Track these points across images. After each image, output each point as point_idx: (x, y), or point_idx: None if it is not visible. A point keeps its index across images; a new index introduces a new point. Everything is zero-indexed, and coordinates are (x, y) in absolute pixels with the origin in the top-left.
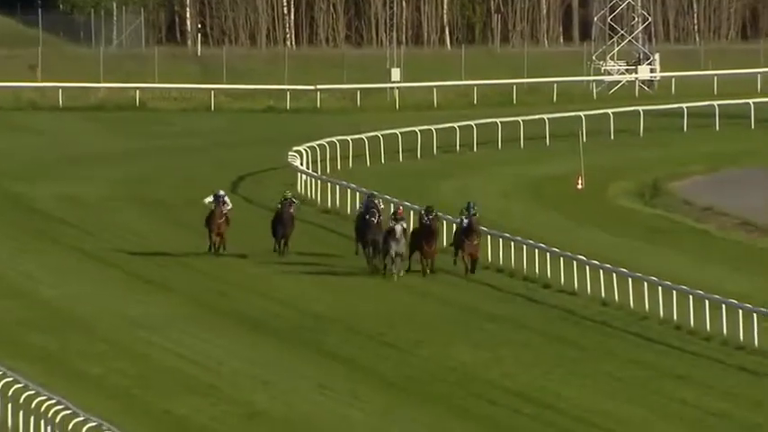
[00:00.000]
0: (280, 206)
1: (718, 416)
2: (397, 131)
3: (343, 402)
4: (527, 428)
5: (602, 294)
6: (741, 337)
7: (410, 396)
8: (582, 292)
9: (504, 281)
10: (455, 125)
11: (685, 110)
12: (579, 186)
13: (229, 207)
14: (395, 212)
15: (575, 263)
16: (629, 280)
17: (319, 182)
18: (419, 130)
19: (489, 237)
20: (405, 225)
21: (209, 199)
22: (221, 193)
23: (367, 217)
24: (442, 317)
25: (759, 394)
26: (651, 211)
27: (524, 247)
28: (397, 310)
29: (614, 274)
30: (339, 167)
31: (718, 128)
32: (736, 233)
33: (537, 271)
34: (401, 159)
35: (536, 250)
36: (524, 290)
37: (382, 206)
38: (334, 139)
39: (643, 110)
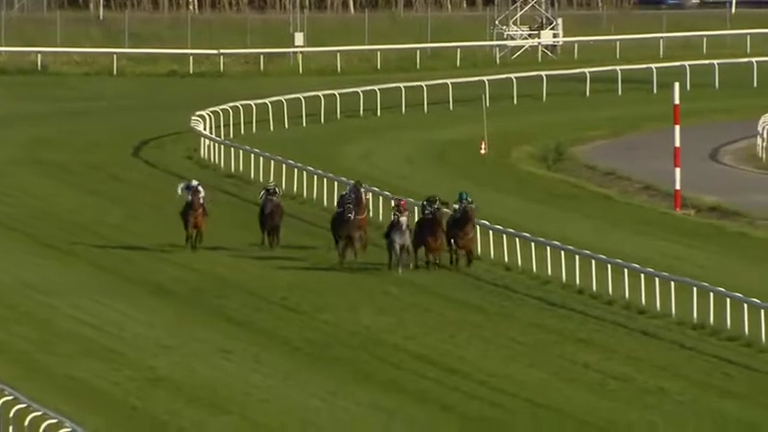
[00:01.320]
0: (262, 198)
1: (621, 379)
2: (300, 96)
3: (245, 367)
4: (431, 392)
5: (505, 259)
6: (643, 301)
7: (313, 360)
8: (485, 257)
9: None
10: (358, 90)
11: (588, 75)
12: (482, 151)
13: (202, 194)
14: (397, 205)
15: (478, 228)
16: (532, 244)
17: (222, 147)
18: (323, 95)
19: (380, 198)
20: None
21: (182, 185)
22: (194, 183)
23: (344, 213)
24: (345, 282)
25: (661, 358)
26: (554, 175)
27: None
28: (299, 275)
29: (517, 239)
30: (242, 132)
31: (620, 93)
32: (638, 197)
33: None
34: (305, 124)
35: None
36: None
37: (368, 196)
38: (237, 103)
39: (546, 75)
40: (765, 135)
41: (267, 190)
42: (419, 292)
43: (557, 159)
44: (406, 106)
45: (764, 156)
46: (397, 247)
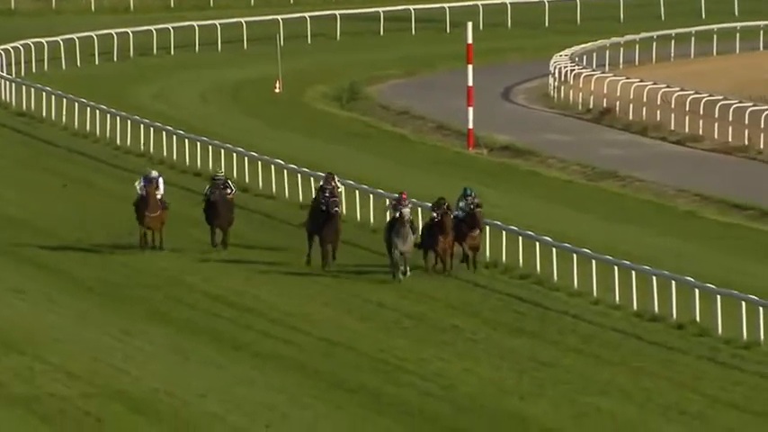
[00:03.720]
0: (209, 190)
1: (415, 318)
2: (93, 34)
3: (39, 307)
4: (226, 332)
5: (300, 198)
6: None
7: (108, 300)
8: (280, 196)
9: (201, 185)
10: (152, 28)
11: (381, 14)
12: (277, 90)
13: (162, 192)
14: (398, 199)
15: (272, 167)
16: None
17: (14, 85)
18: (116, 33)
19: (187, 140)
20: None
21: (140, 183)
22: (154, 174)
23: (324, 208)
24: None
25: (455, 297)
26: (348, 114)
27: (222, 150)
28: (93, 215)
29: (312, 178)
30: (34, 70)
31: (414, 32)
32: (432, 137)
33: (235, 175)
34: (97, 63)
35: (234, 155)
36: None
37: (340, 188)
38: (29, 41)
39: (340, 14)
40: (557, 74)
41: (215, 180)
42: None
43: (351, 99)
44: (200, 45)
45: (556, 95)
46: (398, 252)
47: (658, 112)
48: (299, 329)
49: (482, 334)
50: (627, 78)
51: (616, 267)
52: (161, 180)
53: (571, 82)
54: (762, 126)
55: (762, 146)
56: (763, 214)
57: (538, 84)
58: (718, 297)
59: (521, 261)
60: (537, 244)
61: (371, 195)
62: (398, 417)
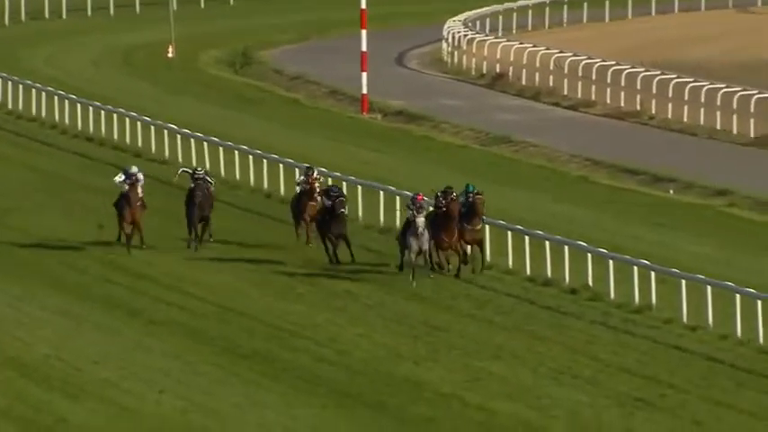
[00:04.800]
0: (192, 184)
1: (309, 284)
2: None
3: None
4: (119, 298)
5: (194, 163)
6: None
7: None
8: (173, 161)
9: (96, 150)
10: None
11: None
12: (170, 55)
13: (141, 183)
14: (413, 199)
15: (165, 132)
16: (221, 149)
17: None
18: None
19: (79, 105)
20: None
21: (120, 178)
22: (134, 169)
23: (336, 209)
24: (33, 188)
25: (347, 263)
26: (242, 79)
27: (115, 115)
28: None
29: (206, 143)
30: None
31: None
32: (326, 102)
33: (128, 140)
34: None
35: (127, 119)
36: (115, 159)
37: (320, 179)
38: None
39: None
40: (450, 40)
41: (195, 174)
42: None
43: (244, 63)
44: (92, 9)
45: (450, 60)
46: (413, 254)
47: (551, 77)
48: (194, 295)
49: (376, 299)
50: (520, 44)
51: (509, 232)
52: (141, 176)
53: (464, 47)
54: (654, 91)
55: (654, 111)
56: (654, 179)
57: (431, 49)
58: (611, 262)
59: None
60: (430, 209)
61: (264, 160)
62: (292, 382)
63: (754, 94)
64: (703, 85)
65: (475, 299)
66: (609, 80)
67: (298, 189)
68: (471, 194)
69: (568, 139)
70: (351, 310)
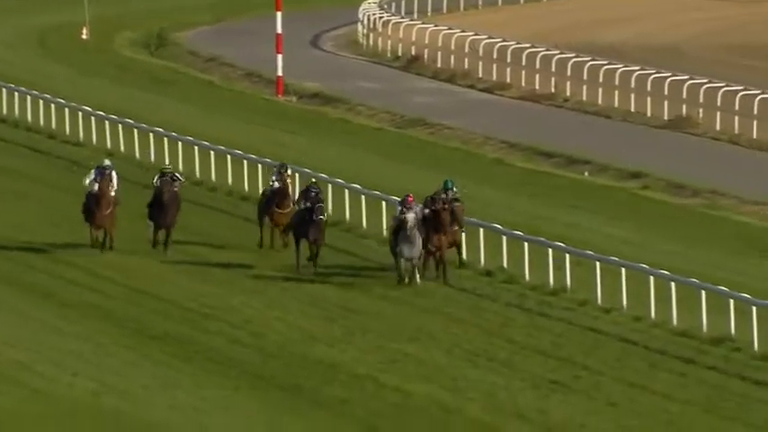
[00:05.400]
0: (158, 184)
1: (222, 266)
2: None
3: None
4: (30, 279)
5: (109, 145)
6: (246, 187)
7: None
8: (87, 143)
9: (9, 132)
10: None
11: None
12: (84, 37)
13: (116, 188)
14: (404, 200)
15: (80, 114)
16: (135, 131)
17: None
18: None
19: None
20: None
21: (91, 176)
22: (107, 163)
23: (315, 215)
24: None
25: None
26: (156, 61)
27: (29, 97)
28: None
29: (120, 125)
30: None
31: None
32: (241, 84)
33: (42, 122)
34: None
35: (41, 101)
36: (28, 140)
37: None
38: None
39: None
40: (366, 22)
41: (164, 174)
42: (19, 178)
43: (159, 45)
44: None
45: (365, 42)
46: (404, 259)
47: (466, 59)
48: (106, 278)
49: (292, 282)
50: (435, 26)
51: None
52: (114, 173)
53: (380, 29)
54: (568, 74)
55: (568, 93)
56: (569, 161)
57: (347, 31)
58: (526, 244)
59: (330, 209)
60: (346, 191)
61: (180, 142)
62: (206, 364)
63: (668, 77)
64: (617, 68)
65: (391, 282)
66: (524, 62)
67: (273, 185)
68: (450, 192)
69: (484, 122)
70: (266, 292)
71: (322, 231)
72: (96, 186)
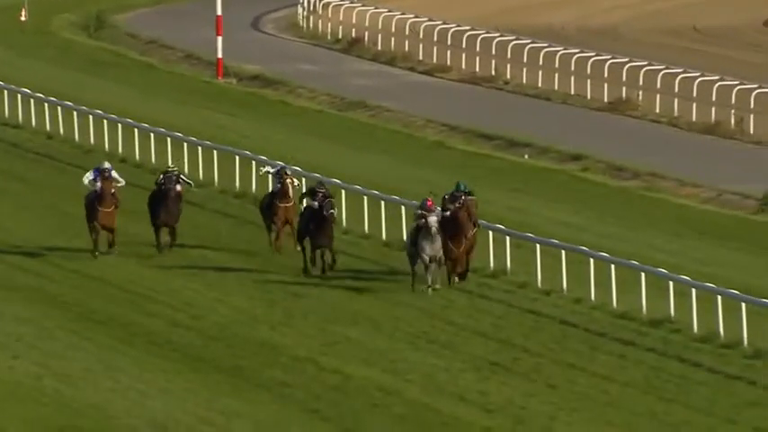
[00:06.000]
0: (162, 183)
1: (164, 248)
2: None
3: None
4: None
5: (48, 127)
6: (186, 169)
7: None
8: (27, 125)
9: None
10: None
11: None
12: (23, 18)
13: (122, 183)
14: (423, 204)
15: (19, 96)
16: (75, 113)
17: None
18: None
19: None
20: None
21: (90, 177)
22: (107, 165)
23: (323, 211)
24: None
25: (204, 227)
26: (96, 43)
27: None
28: None
29: (59, 107)
30: None
31: None
32: (180, 66)
33: None
34: None
35: None
36: None
37: (297, 183)
38: None
39: None
40: (306, 4)
41: (167, 173)
42: None
43: (98, 27)
44: None
45: (305, 25)
46: (427, 258)
47: (407, 42)
48: (49, 261)
49: (233, 265)
50: (375, 8)
51: (365, 198)
52: (114, 173)
53: (320, 12)
54: (509, 56)
55: (508, 76)
56: (509, 144)
57: (287, 13)
58: None
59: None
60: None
61: (119, 125)
62: (147, 347)
63: (607, 60)
64: (558, 51)
65: (338, 266)
66: (464, 45)
67: (275, 188)
68: (461, 192)
69: (424, 105)
70: (207, 275)
71: (330, 230)
72: (98, 185)
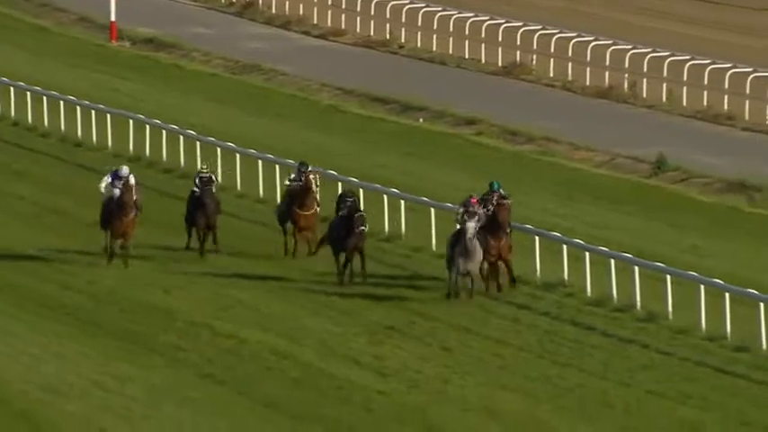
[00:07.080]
0: (198, 186)
1: (59, 213)
2: None
3: None
4: None
5: None
6: (79, 134)
7: None
8: None
9: None
10: None
11: None
12: None
13: (134, 186)
14: (466, 201)
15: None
16: None
17: None
18: None
19: None
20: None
21: (107, 180)
22: (125, 171)
23: (356, 226)
24: None
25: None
26: None
27: None
28: None
29: None
30: None
31: None
32: (74, 29)
33: None
34: None
35: None
36: None
37: (321, 180)
38: None
39: None
40: None
41: (202, 176)
42: None
43: None
44: None
45: None
46: (462, 267)
47: (301, 5)
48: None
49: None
50: None
51: (260, 161)
52: (132, 178)
53: None
54: (403, 20)
55: (403, 40)
56: (404, 108)
57: None
58: (361, 191)
59: (164, 155)
60: (181, 138)
61: (12, 88)
62: (39, 311)
63: (502, 23)
64: (452, 14)
65: (230, 230)
66: (359, 9)
67: (291, 184)
68: (496, 194)
69: (319, 68)
70: (101, 242)
71: (361, 242)
72: (117, 192)
